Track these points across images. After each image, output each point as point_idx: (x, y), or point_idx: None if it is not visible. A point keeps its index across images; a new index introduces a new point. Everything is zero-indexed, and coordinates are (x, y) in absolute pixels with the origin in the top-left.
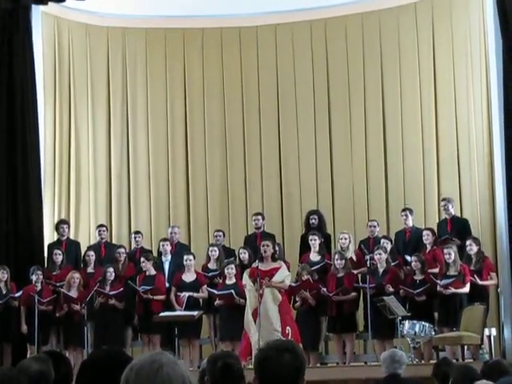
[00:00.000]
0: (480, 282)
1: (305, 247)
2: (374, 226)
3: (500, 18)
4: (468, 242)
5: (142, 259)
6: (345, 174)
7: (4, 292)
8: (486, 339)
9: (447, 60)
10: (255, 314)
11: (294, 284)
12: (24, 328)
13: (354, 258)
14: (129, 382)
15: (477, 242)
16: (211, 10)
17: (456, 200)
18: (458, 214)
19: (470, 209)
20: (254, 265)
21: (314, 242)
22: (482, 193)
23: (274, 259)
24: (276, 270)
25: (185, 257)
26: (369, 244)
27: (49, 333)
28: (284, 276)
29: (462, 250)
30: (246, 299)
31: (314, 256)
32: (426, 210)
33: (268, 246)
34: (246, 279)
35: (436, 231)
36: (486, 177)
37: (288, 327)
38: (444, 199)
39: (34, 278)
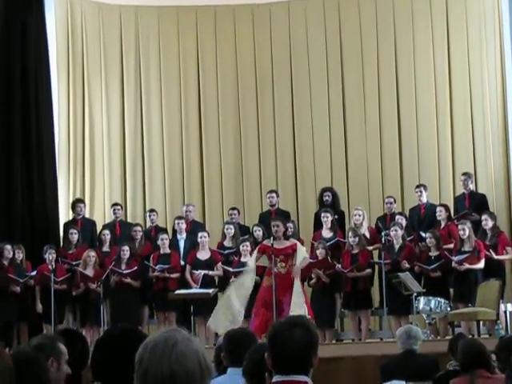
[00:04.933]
0: (495, 257)
1: (319, 224)
2: (391, 203)
3: None
4: (484, 217)
5: (161, 237)
6: (359, 151)
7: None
8: (502, 314)
9: (461, 28)
10: (268, 293)
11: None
12: (39, 307)
13: (367, 234)
14: (143, 360)
15: (492, 217)
16: None
17: None
18: (474, 189)
19: (485, 184)
20: (265, 242)
21: (326, 219)
22: (496, 168)
23: (286, 237)
24: (290, 248)
25: (199, 234)
26: (385, 220)
27: (63, 311)
28: (303, 254)
29: (480, 225)
30: (260, 277)
31: (327, 233)
32: (440, 186)
33: (278, 226)
34: (253, 258)
35: (452, 206)
36: (500, 152)
37: (304, 305)
38: (464, 174)
39: (47, 256)
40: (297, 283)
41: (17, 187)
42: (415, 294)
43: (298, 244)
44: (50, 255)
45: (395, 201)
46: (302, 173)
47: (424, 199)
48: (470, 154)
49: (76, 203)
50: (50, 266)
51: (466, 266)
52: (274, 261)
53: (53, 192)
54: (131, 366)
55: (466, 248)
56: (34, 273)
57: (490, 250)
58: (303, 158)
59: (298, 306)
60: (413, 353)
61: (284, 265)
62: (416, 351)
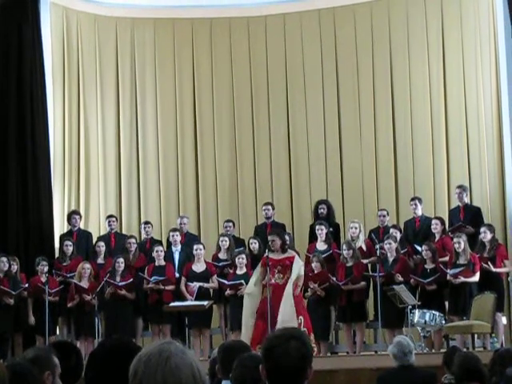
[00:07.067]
0: (493, 269)
1: (314, 237)
2: (384, 216)
3: None
4: (482, 229)
5: (156, 249)
6: (354, 164)
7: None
8: (500, 327)
9: (456, 44)
10: (265, 304)
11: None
12: (31, 319)
13: (364, 247)
14: (138, 372)
15: (491, 229)
16: (219, 0)
17: None
18: (469, 202)
19: (480, 196)
20: (265, 255)
21: (321, 231)
22: (491, 180)
23: (283, 250)
24: (288, 259)
25: (195, 246)
26: (379, 233)
27: (56, 323)
28: (299, 267)
29: (474, 238)
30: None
31: (321, 245)
32: (435, 199)
33: (274, 241)
34: (256, 273)
35: (447, 219)
36: (495, 165)
37: (300, 316)
38: (460, 186)
39: (39, 268)
40: (288, 290)
41: (12, 199)
42: (410, 307)
43: (296, 257)
44: (42, 267)
45: (388, 213)
46: (297, 185)
47: (419, 212)
48: (464, 166)
49: (71, 215)
50: (42, 278)
51: (461, 279)
52: (269, 272)
53: (48, 204)
54: (125, 379)
55: (461, 261)
56: (26, 285)
57: (489, 263)
58: (298, 171)
59: (285, 311)
60: (409, 366)
61: (282, 276)
62: (413, 364)
